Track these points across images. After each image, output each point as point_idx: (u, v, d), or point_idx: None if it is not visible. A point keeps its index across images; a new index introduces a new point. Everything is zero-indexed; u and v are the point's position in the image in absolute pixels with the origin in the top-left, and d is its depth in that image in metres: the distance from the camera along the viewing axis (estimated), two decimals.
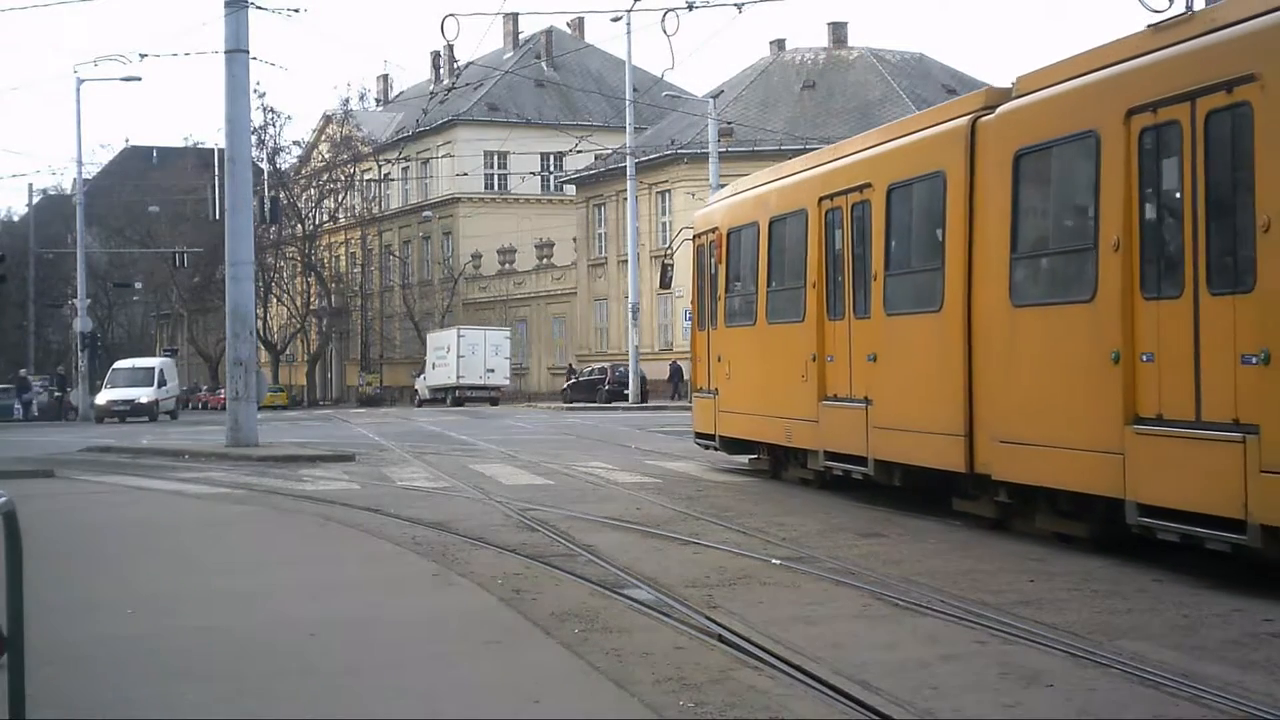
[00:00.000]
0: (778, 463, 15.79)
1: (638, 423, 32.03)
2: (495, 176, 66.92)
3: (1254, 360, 7.90)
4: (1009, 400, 10.48)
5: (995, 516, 11.04)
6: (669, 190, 52.10)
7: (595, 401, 44.63)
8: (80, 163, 51.00)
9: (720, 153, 43.23)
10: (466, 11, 68.18)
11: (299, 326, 69.46)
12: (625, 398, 43.62)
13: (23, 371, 55.51)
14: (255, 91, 50.69)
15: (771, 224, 15.43)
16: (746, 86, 54.84)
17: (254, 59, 23.51)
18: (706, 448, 18.07)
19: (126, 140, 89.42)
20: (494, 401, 49.00)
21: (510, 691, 6.08)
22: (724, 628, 7.32)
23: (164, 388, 48.52)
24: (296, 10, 25.49)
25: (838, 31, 56.99)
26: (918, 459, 11.95)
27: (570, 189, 63.04)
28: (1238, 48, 8.16)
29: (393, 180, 71.38)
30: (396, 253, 72.89)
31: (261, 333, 61.41)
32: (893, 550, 10.10)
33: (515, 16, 68.27)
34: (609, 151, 55.30)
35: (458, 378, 50.18)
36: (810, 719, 5.64)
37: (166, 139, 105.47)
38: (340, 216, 69.71)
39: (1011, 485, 10.57)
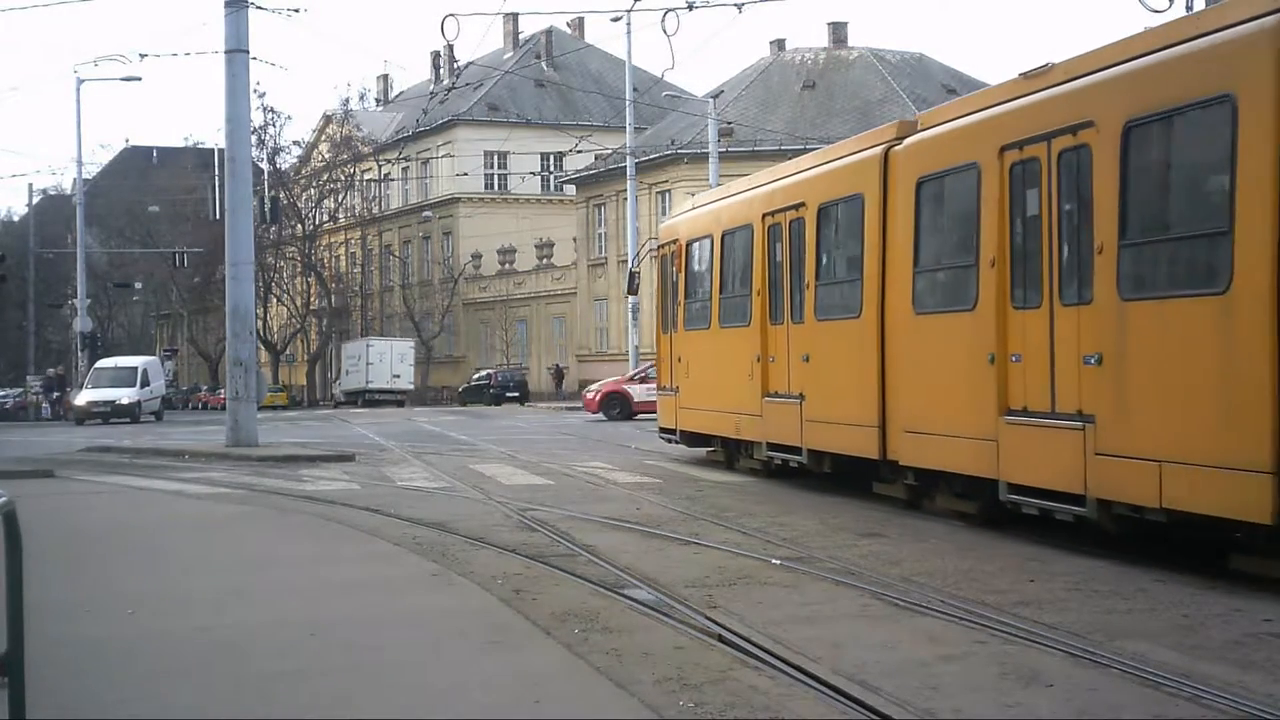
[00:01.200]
0: (730, 454, 17.35)
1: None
2: (495, 176, 66.94)
3: (1092, 361, 9.37)
4: (913, 396, 12.07)
5: (906, 498, 12.54)
6: (669, 190, 52.10)
7: (483, 403, 51.18)
8: (80, 163, 51.08)
9: (720, 153, 43.23)
10: (466, 11, 68.33)
11: (299, 326, 69.46)
12: (511, 400, 51.60)
13: (50, 371, 55.39)
14: (255, 91, 50.91)
15: (724, 237, 16.95)
16: (746, 86, 54.85)
17: (254, 59, 23.52)
18: (670, 441, 19.47)
19: (126, 140, 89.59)
20: (400, 404, 54.58)
21: (510, 691, 6.08)
22: (724, 628, 7.32)
23: (147, 388, 46.68)
24: (296, 10, 25.53)
25: (838, 31, 57.01)
26: (842, 448, 13.56)
27: (570, 189, 63.03)
28: (1081, 98, 9.64)
29: (393, 180, 71.39)
30: (396, 253, 72.92)
31: (261, 333, 61.40)
32: (893, 550, 10.10)
33: (515, 16, 68.37)
34: (609, 151, 55.30)
35: (366, 382, 55.67)
36: (810, 719, 5.64)
37: (166, 139, 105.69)
38: (340, 216, 69.72)
39: (917, 470, 12.10)
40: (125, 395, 44.44)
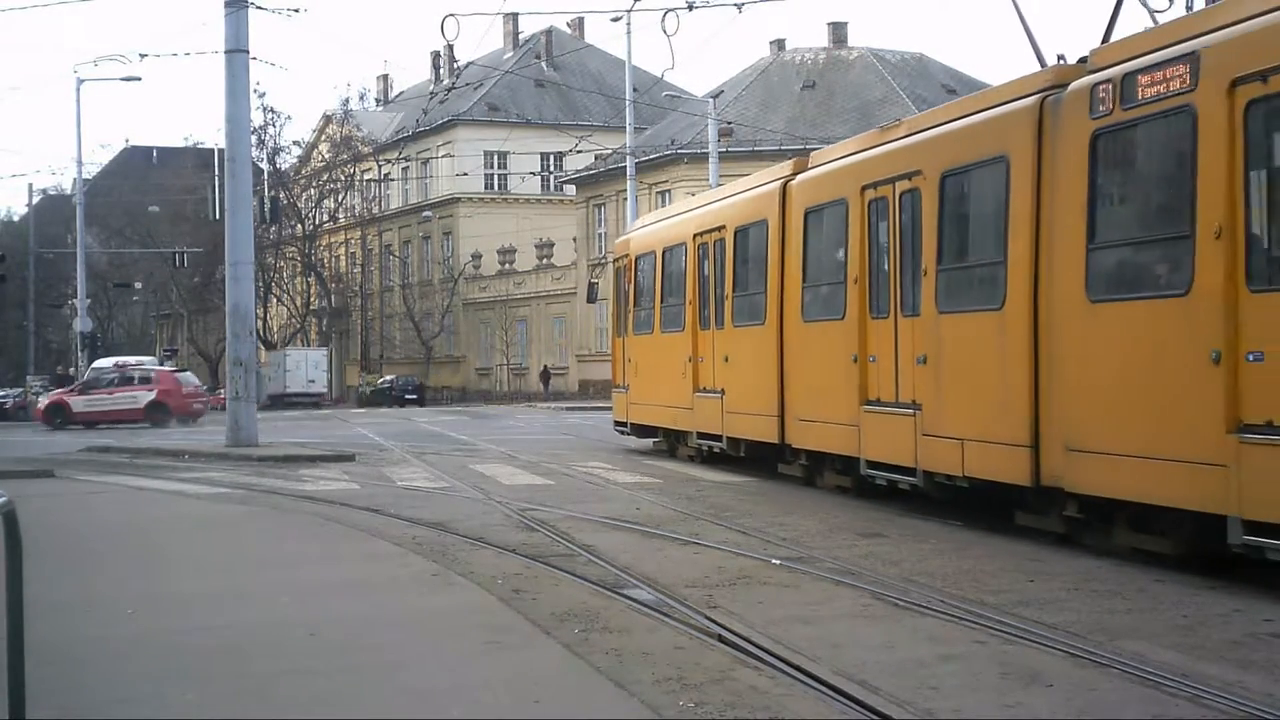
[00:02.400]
0: (672, 444, 19.64)
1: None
2: (495, 176, 66.89)
3: (920, 361, 11.71)
4: (803, 390, 14.41)
5: (802, 477, 14.77)
6: (669, 190, 52.07)
7: (386, 405, 56.28)
8: (80, 163, 51.03)
9: (720, 153, 43.20)
10: (466, 11, 68.23)
11: (299, 326, 69.43)
12: (409, 402, 56.28)
13: (61, 370, 55.31)
14: (255, 91, 50.89)
15: (664, 253, 19.41)
16: (746, 86, 54.80)
17: (254, 59, 23.52)
18: (622, 433, 22.02)
19: (126, 140, 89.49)
20: (317, 405, 58.61)
21: (510, 691, 6.08)
22: (724, 628, 7.32)
23: None
24: (296, 10, 25.48)
25: (838, 31, 56.95)
26: (753, 434, 15.79)
27: (570, 189, 62.98)
28: (914, 151, 12.02)
29: (393, 180, 71.35)
30: (396, 253, 72.89)
31: (261, 333, 61.37)
32: (893, 550, 10.10)
33: (515, 16, 68.27)
34: (609, 151, 55.27)
35: (285, 387, 60.08)
36: (810, 719, 5.64)
37: (166, 139, 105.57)
38: (340, 216, 69.68)
39: (808, 451, 14.41)
40: None
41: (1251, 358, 8.01)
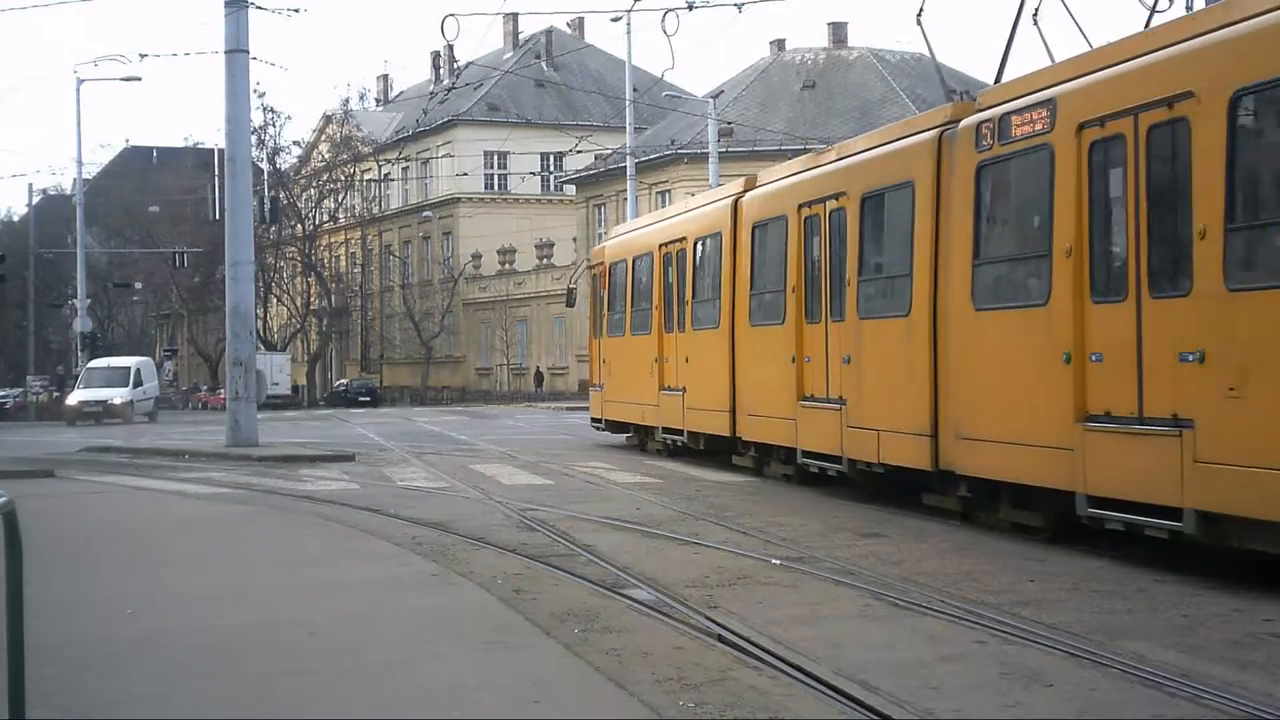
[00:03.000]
0: (642, 439, 21.05)
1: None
2: (495, 176, 66.87)
3: (846, 361, 13.13)
4: (749, 387, 15.91)
5: (751, 466, 16.24)
6: (669, 190, 52.07)
7: (343, 406, 58.77)
8: (80, 163, 51.05)
9: (720, 153, 43.19)
10: (466, 11, 68.24)
11: (299, 326, 69.40)
12: (364, 404, 58.48)
13: (75, 370, 55.20)
14: (255, 91, 50.68)
15: (634, 261, 20.95)
16: (746, 86, 54.79)
17: (254, 59, 23.54)
18: (598, 429, 23.31)
19: (126, 140, 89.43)
20: (285, 406, 61.02)
21: (510, 691, 6.08)
22: (724, 628, 7.32)
23: (140, 388, 45.51)
24: (296, 10, 25.51)
25: (838, 31, 56.93)
26: (710, 429, 17.29)
27: (570, 189, 62.96)
28: (839, 174, 13.70)
29: (393, 180, 71.34)
30: (396, 253, 72.87)
31: (261, 333, 61.37)
32: (893, 550, 10.10)
33: (515, 16, 68.25)
34: (609, 151, 55.25)
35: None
36: (810, 719, 5.64)
37: (166, 139, 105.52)
38: (340, 216, 69.65)
39: (756, 444, 15.94)
40: (118, 395, 43.63)
41: (1094, 358, 9.53)
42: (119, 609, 8.30)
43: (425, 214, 67.72)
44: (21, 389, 57.77)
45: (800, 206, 14.44)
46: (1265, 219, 8.13)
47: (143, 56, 60.81)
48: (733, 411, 16.26)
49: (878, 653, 6.72)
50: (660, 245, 19.58)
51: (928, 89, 52.47)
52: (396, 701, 5.97)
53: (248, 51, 22.82)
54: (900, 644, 6.92)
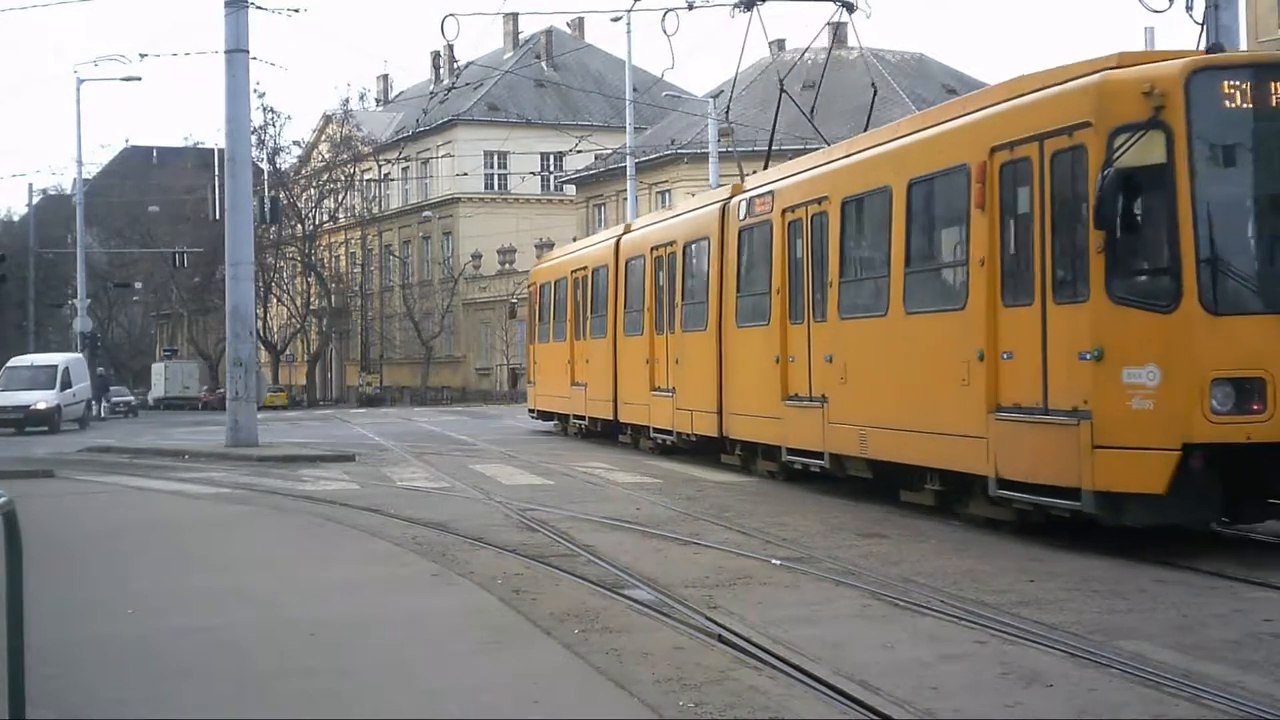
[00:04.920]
0: (564, 425, 25.98)
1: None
2: (495, 176, 66.80)
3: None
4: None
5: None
6: (669, 190, 52.05)
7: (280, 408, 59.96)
8: (80, 163, 50.93)
9: (720, 153, 43.18)
10: (466, 11, 67.98)
11: (299, 326, 69.34)
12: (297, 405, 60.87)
13: (100, 371, 54.99)
14: (255, 91, 50.66)
15: (555, 283, 26.15)
16: (746, 86, 54.78)
17: (254, 59, 23.51)
18: (532, 417, 28.98)
19: (126, 140, 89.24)
20: (195, 407, 63.03)
21: (510, 691, 6.08)
22: (724, 628, 7.32)
23: (69, 391, 38.25)
24: (296, 10, 25.46)
25: (838, 31, 56.93)
26: (598, 415, 22.60)
27: (570, 189, 62.94)
28: (669, 232, 19.33)
29: (393, 180, 71.27)
30: (396, 253, 72.82)
31: (261, 333, 61.28)
32: (893, 550, 10.10)
33: (515, 16, 68.13)
34: (609, 151, 55.23)
35: (165, 392, 66.69)
36: (810, 719, 5.64)
37: (166, 139, 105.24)
38: (340, 216, 69.58)
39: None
40: (42, 399, 36.58)
41: (790, 359, 14.28)
42: (119, 609, 8.30)
43: (425, 214, 67.67)
44: None
45: (652, 248, 19.86)
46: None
47: (143, 56, 60.64)
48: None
49: (878, 653, 6.72)
50: (572, 271, 24.54)
51: (928, 89, 52.49)
52: (396, 701, 5.97)
53: (248, 51, 22.82)
54: (900, 644, 6.92)
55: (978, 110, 11.24)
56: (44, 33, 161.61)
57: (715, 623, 7.47)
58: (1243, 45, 21.14)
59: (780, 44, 57.75)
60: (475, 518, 12.60)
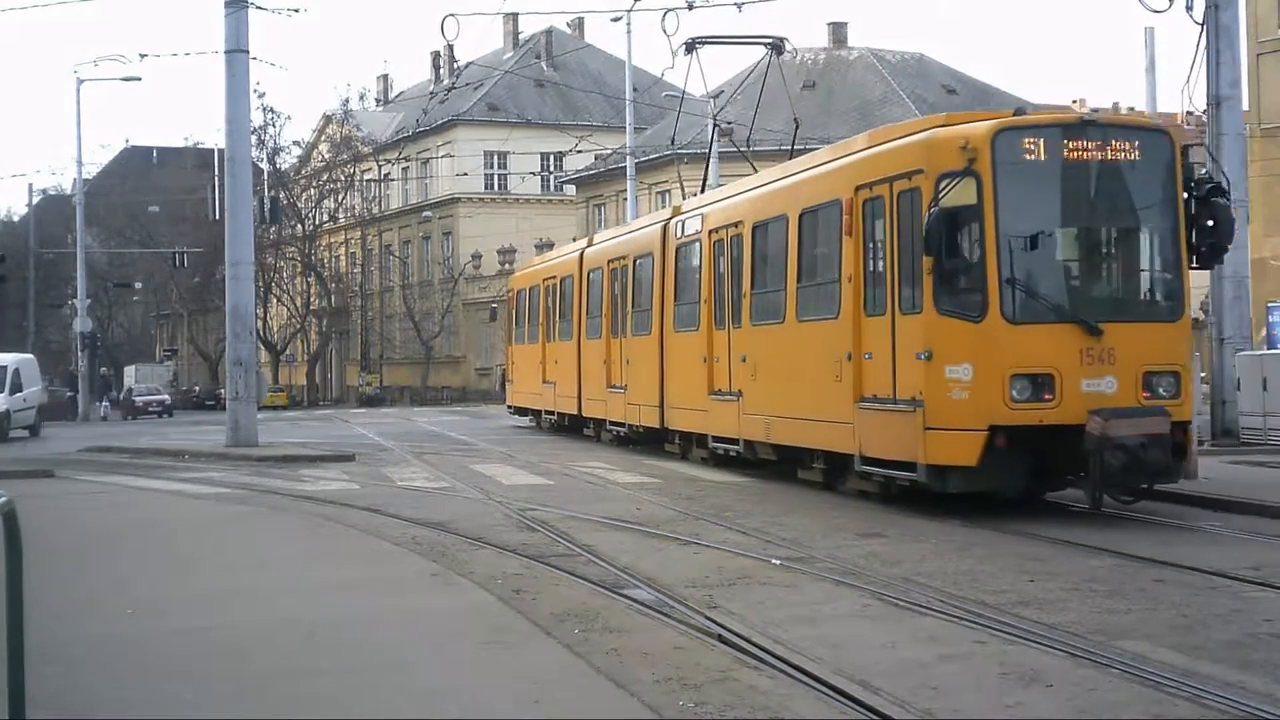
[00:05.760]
0: (537, 419, 28.86)
1: None
2: (495, 176, 66.79)
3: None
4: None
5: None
6: (669, 190, 52.03)
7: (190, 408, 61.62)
8: (80, 163, 50.94)
9: (720, 153, 43.14)
10: (466, 11, 68.15)
11: (299, 326, 69.36)
12: (209, 406, 59.80)
13: (104, 371, 54.86)
14: (255, 91, 50.71)
15: (530, 290, 28.91)
16: (746, 86, 54.76)
17: (254, 59, 23.53)
18: (510, 412, 31.95)
19: (126, 140, 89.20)
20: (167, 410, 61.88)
21: (510, 691, 6.08)
22: (724, 628, 7.32)
23: (19, 395, 35.01)
24: (296, 10, 25.48)
25: (838, 31, 56.91)
26: (564, 410, 25.53)
27: (570, 189, 62.92)
28: (620, 249, 21.91)
29: (393, 180, 71.26)
30: (396, 253, 72.81)
31: (261, 333, 61.30)
32: (893, 550, 10.10)
33: (515, 16, 68.16)
34: (609, 151, 55.22)
35: (133, 395, 67.88)
36: (810, 719, 5.64)
37: (166, 139, 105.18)
38: (340, 216, 69.59)
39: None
40: None
41: (714, 359, 16.72)
42: (119, 609, 8.30)
43: (425, 214, 67.67)
44: None
45: (609, 261, 22.51)
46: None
47: (143, 56, 60.46)
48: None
49: (878, 653, 6.72)
50: (543, 280, 27.60)
51: (927, 89, 52.49)
52: (396, 701, 5.97)
53: (248, 51, 22.82)
54: (900, 644, 6.92)
55: (849, 155, 13.66)
56: (44, 33, 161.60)
57: (715, 623, 7.47)
58: (1243, 45, 21.14)
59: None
60: (475, 518, 12.60)
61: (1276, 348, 26.64)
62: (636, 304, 20.59)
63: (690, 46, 21.37)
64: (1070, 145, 11.58)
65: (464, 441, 25.39)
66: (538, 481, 16.33)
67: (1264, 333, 29.10)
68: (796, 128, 19.76)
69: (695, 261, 17.99)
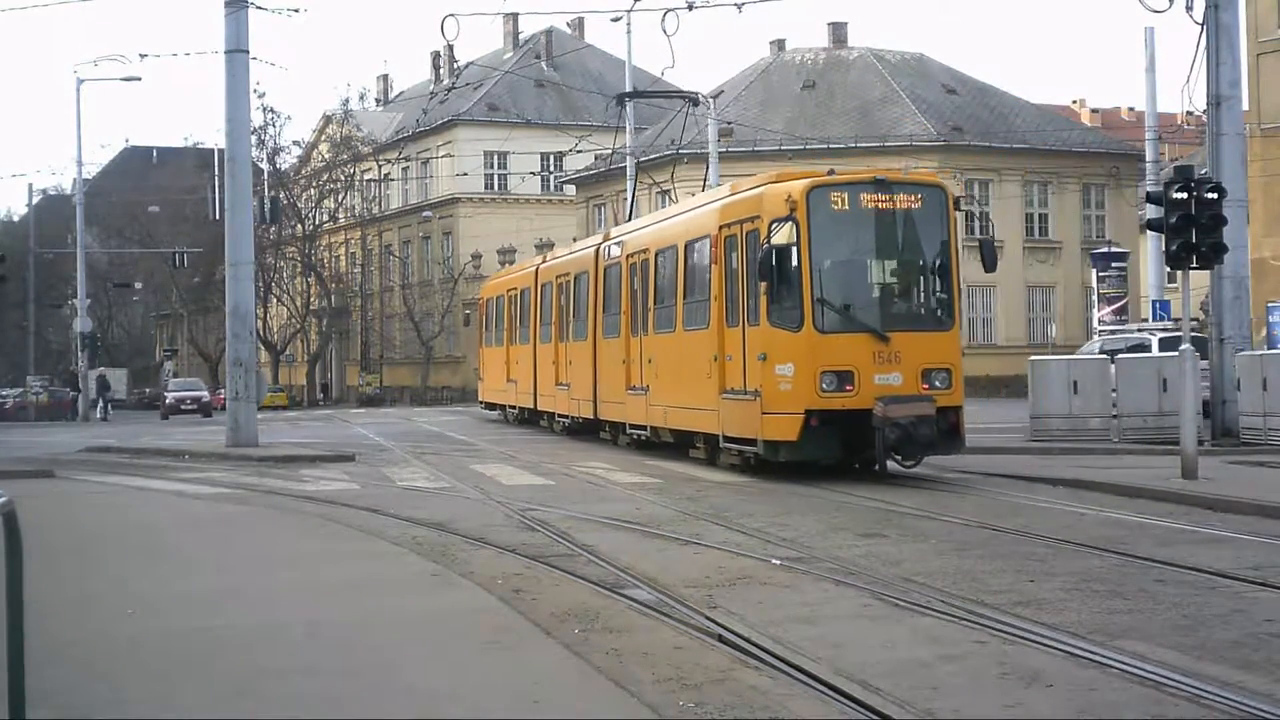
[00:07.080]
0: (505, 414, 32.21)
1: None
2: (495, 176, 66.76)
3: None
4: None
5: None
6: (669, 190, 52.02)
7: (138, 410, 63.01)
8: (80, 163, 50.89)
9: (720, 153, 43.15)
10: (466, 11, 68.14)
11: (299, 326, 69.33)
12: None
13: (100, 371, 54.85)
14: (255, 91, 50.63)
15: (497, 299, 32.74)
16: (746, 86, 54.75)
17: (254, 59, 23.51)
18: (483, 408, 36.24)
19: (126, 140, 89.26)
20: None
21: (510, 691, 6.08)
22: (724, 628, 7.32)
23: None
24: (296, 10, 25.44)
25: (838, 31, 56.84)
26: (519, 404, 29.58)
27: (570, 189, 62.90)
28: (570, 265, 25.46)
29: (393, 180, 71.23)
30: (396, 253, 72.79)
31: (261, 333, 61.23)
32: (893, 550, 10.10)
33: (515, 16, 68.11)
34: (609, 151, 55.22)
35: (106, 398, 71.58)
36: (810, 719, 5.64)
37: (166, 139, 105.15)
38: (340, 216, 69.55)
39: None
40: None
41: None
42: (119, 609, 8.30)
43: (425, 214, 67.63)
44: (21, 389, 57.71)
45: (557, 276, 25.89)
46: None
47: (143, 56, 60.74)
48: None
49: (878, 653, 6.72)
50: (506, 290, 31.18)
51: (928, 89, 52.46)
52: (396, 701, 5.97)
53: (248, 51, 22.81)
54: (900, 644, 6.92)
55: (718, 200, 17.45)
56: (44, 33, 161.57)
57: (715, 623, 7.47)
58: (1243, 45, 21.15)
59: (780, 44, 57.81)
60: (475, 518, 12.60)
61: (1276, 348, 26.64)
62: (576, 314, 24.17)
63: (620, 100, 31.92)
64: (866, 197, 15.12)
65: (464, 441, 25.39)
66: (538, 481, 16.33)
67: (1264, 332, 29.12)
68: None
69: (617, 280, 21.52)
